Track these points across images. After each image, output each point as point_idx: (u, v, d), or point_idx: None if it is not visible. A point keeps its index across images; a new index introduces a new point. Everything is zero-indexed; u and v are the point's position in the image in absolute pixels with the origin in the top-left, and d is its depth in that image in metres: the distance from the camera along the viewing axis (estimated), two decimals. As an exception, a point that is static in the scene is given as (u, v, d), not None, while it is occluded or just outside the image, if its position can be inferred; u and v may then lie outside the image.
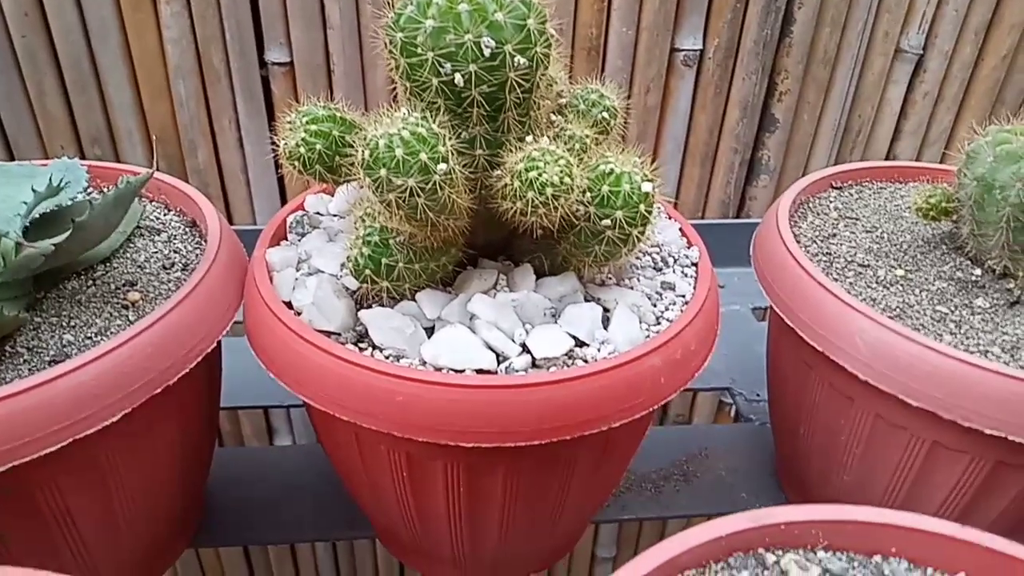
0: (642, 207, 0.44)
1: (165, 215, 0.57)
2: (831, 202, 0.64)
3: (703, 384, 0.81)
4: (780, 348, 0.60)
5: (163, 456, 0.48)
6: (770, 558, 0.34)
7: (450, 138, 0.40)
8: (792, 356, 0.56)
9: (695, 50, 1.03)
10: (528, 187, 0.41)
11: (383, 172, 0.39)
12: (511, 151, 0.43)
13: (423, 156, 0.39)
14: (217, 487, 0.63)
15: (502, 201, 0.43)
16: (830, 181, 0.66)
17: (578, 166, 0.43)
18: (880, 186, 0.67)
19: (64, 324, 0.46)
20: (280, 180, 1.02)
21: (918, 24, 1.06)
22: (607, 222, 0.44)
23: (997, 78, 1.09)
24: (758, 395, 0.77)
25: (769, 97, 1.09)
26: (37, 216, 0.47)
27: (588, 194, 0.44)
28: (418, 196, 0.40)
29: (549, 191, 0.41)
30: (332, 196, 0.59)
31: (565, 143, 0.46)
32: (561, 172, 0.41)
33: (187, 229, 0.56)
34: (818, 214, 0.63)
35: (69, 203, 0.49)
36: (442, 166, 0.40)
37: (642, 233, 0.45)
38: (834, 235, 0.60)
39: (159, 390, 0.43)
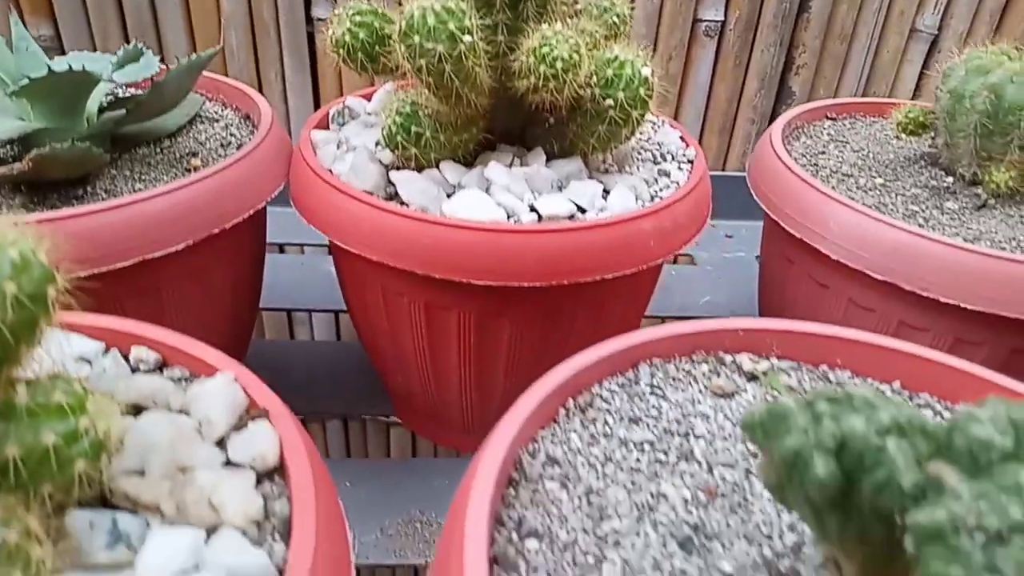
0: (642, 90, 0.50)
1: (223, 111, 0.65)
2: (824, 129, 0.70)
3: (707, 313, 0.87)
4: (768, 254, 0.65)
5: (216, 295, 0.55)
6: (728, 358, 0.40)
7: (476, 18, 0.47)
8: (778, 256, 0.62)
9: (717, 21, 1.09)
10: (540, 61, 0.47)
11: (416, 39, 0.46)
12: (528, 37, 0.49)
13: (451, 26, 0.46)
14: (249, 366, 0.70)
15: (518, 81, 0.50)
16: (825, 112, 0.72)
17: (587, 50, 0.49)
18: (872, 119, 0.73)
19: (136, 178, 0.53)
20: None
21: (933, 4, 1.10)
22: (610, 102, 0.50)
23: (1010, 58, 1.12)
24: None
25: (787, 70, 1.14)
26: (122, 84, 0.54)
27: (594, 77, 0.50)
28: (445, 62, 0.46)
29: (559, 65, 0.47)
30: (370, 101, 0.65)
31: (578, 34, 0.52)
32: (571, 49, 0.48)
33: (242, 120, 0.63)
34: (811, 137, 0.68)
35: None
36: (467, 37, 0.46)
37: (642, 115, 0.51)
38: (823, 152, 0.65)
39: (216, 231, 0.50)
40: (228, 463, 0.31)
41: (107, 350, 0.36)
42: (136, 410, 0.32)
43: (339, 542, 0.29)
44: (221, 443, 0.31)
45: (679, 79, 1.13)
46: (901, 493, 0.21)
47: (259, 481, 0.30)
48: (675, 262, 1.02)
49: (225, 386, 0.32)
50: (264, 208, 0.57)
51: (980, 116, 0.55)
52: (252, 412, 0.32)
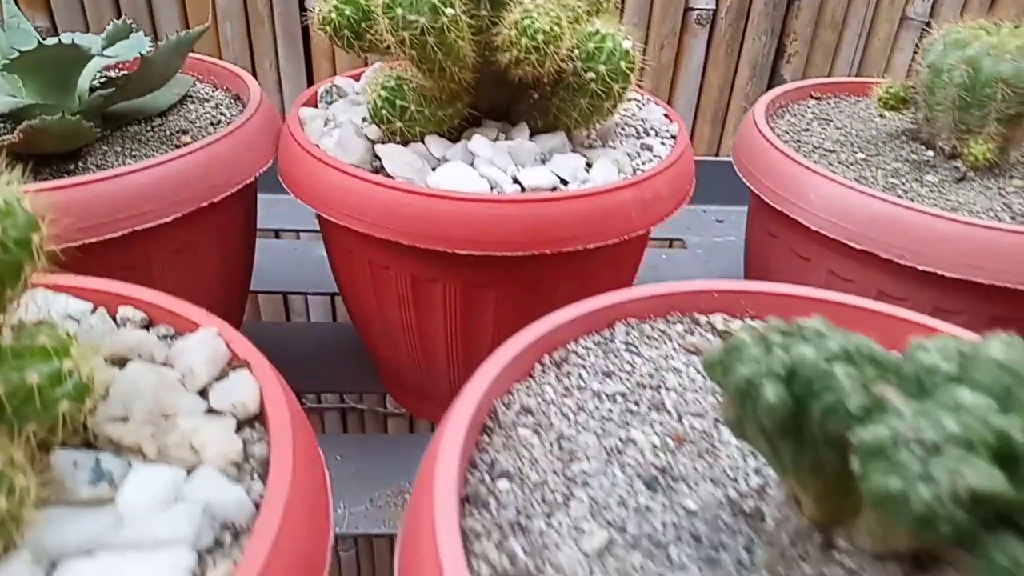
0: (623, 63, 0.51)
1: (214, 91, 0.66)
2: (809, 108, 0.71)
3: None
4: (752, 230, 0.66)
5: (206, 271, 0.56)
6: (702, 318, 0.41)
7: (458, -7, 0.48)
8: (761, 231, 0.63)
9: (708, 9, 1.09)
10: (522, 34, 0.48)
11: (399, 11, 0.47)
12: (510, 11, 0.50)
13: (434, -1, 0.47)
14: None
15: (501, 54, 0.50)
16: (809, 91, 0.73)
17: (568, 24, 0.50)
18: (857, 99, 0.73)
19: (127, 154, 0.54)
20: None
21: (923, -8, 1.11)
22: (591, 75, 0.51)
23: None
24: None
25: (778, 58, 1.15)
26: (113, 62, 0.55)
27: (576, 51, 0.51)
28: (428, 35, 0.47)
29: (540, 37, 0.48)
30: (359, 81, 0.66)
31: (559, 8, 0.53)
32: (551, 22, 0.48)
33: (232, 100, 0.64)
34: (795, 115, 0.69)
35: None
36: (449, 10, 0.47)
37: (624, 89, 0.52)
38: (807, 130, 0.66)
39: (204, 204, 0.51)
40: (210, 411, 0.31)
41: (94, 310, 0.37)
42: (122, 363, 0.33)
43: (317, 482, 0.30)
44: (203, 393, 0.32)
45: (671, 68, 1.14)
46: (848, 415, 0.22)
47: (240, 428, 0.31)
48: (671, 246, 1.03)
49: (208, 339, 0.33)
50: (254, 185, 0.58)
51: (958, 89, 0.56)
52: (234, 364, 0.33)
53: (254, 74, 1.07)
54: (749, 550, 0.28)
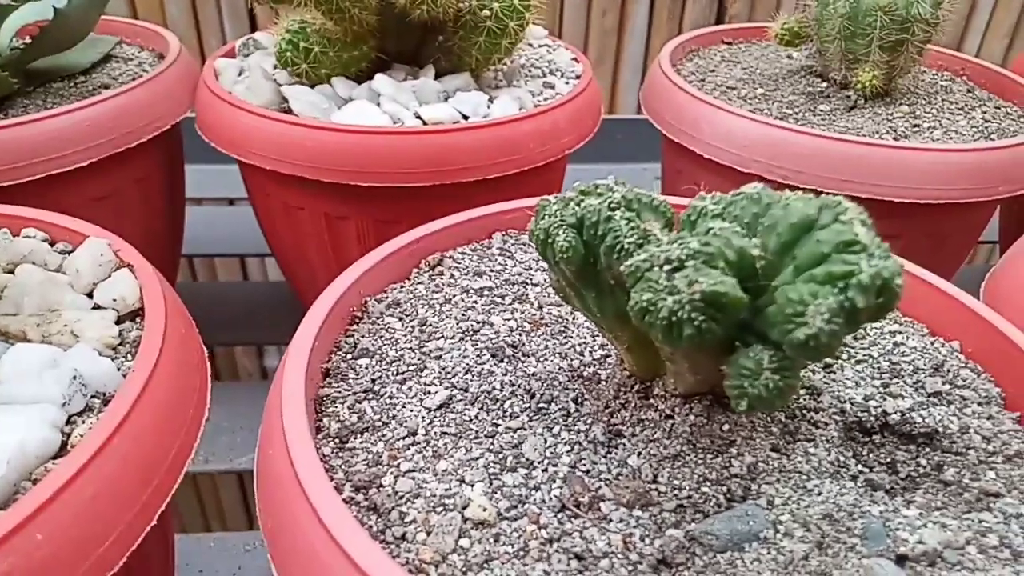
0: (517, 1, 0.54)
1: (139, 52, 0.68)
2: (719, 52, 0.74)
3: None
4: (665, 172, 0.69)
5: (128, 221, 0.58)
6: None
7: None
8: (669, 170, 0.66)
9: (647, -27, 1.12)
10: (415, -26, 0.51)
11: (294, -46, 0.49)
12: (407, -46, 0.53)
13: (326, -59, 0.49)
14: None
15: (399, -7, 0.53)
16: (720, 36, 0.75)
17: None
18: (767, 43, 0.76)
19: (48, 107, 0.56)
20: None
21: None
22: (486, 12, 0.54)
23: None
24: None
25: (720, 21, 1.18)
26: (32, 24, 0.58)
27: (471, -9, 0.54)
28: (324, -24, 0.50)
29: (431, -24, 0.51)
30: (280, 37, 0.69)
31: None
32: (441, -38, 0.51)
33: (155, 59, 0.66)
34: (704, 58, 0.72)
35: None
36: (343, -48, 0.50)
37: (520, 26, 0.55)
38: (713, 71, 0.69)
39: (121, 149, 0.54)
40: (95, 308, 0.34)
41: (-3, 231, 0.39)
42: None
43: (191, 366, 0.32)
44: (90, 295, 0.35)
45: (616, 33, 1.16)
46: (625, 252, 0.25)
47: (121, 321, 0.34)
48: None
49: (96, 246, 0.36)
50: (175, 135, 0.61)
51: (842, 20, 0.59)
52: (118, 266, 0.36)
53: (201, 52, 1.09)
54: (578, 402, 0.31)
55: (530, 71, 0.63)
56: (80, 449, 0.25)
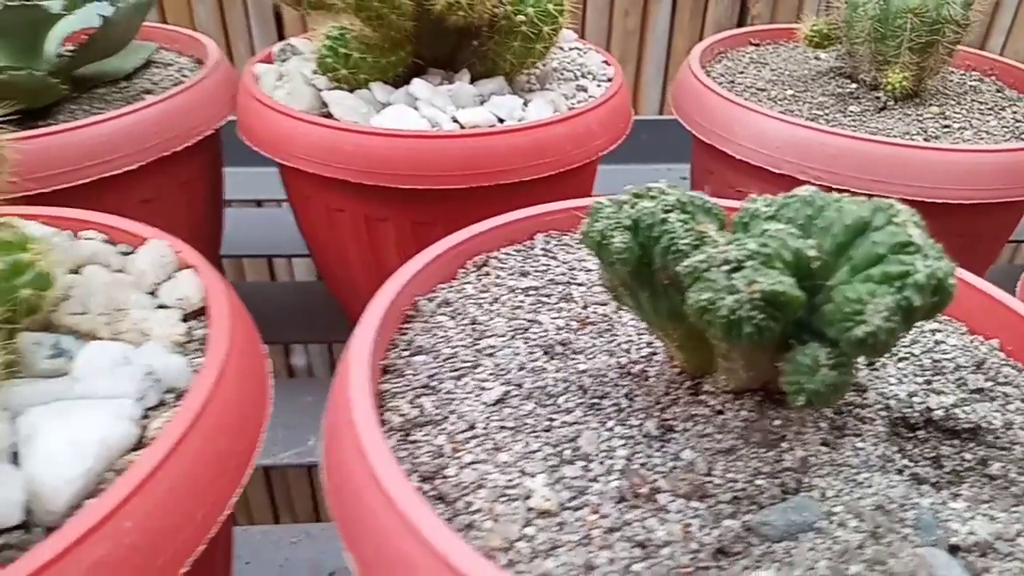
0: (551, 5, 0.55)
1: (177, 58, 0.69)
2: (747, 53, 0.74)
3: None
4: (695, 172, 0.70)
5: (171, 223, 0.60)
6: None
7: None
8: (700, 170, 0.67)
9: (670, -26, 1.12)
10: (453, -20, 0.52)
11: (336, -37, 0.50)
12: (445, -37, 0.54)
13: (367, -51, 0.50)
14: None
15: (436, 2, 0.54)
16: (748, 38, 0.76)
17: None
18: (795, 44, 0.77)
19: (94, 112, 0.58)
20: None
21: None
22: (521, 17, 0.55)
23: None
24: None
25: (742, 21, 1.18)
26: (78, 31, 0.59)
27: (507, -3, 0.55)
28: (365, -16, 0.51)
29: (469, -17, 0.52)
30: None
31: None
32: (479, -31, 0.52)
33: (195, 64, 0.68)
34: (732, 60, 0.73)
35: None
36: (383, -40, 0.51)
37: (553, 31, 0.56)
38: (742, 72, 0.70)
39: (166, 154, 0.55)
40: (160, 307, 0.35)
41: (59, 233, 0.41)
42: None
43: (254, 362, 0.33)
44: (154, 293, 0.36)
45: (638, 34, 1.17)
46: (681, 253, 0.26)
47: (186, 319, 0.35)
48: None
49: (158, 247, 0.37)
50: (216, 140, 0.62)
51: (872, 21, 0.59)
52: (181, 266, 0.37)
53: (230, 57, 1.11)
54: (630, 398, 0.32)
55: (562, 74, 0.64)
56: (161, 440, 0.26)
